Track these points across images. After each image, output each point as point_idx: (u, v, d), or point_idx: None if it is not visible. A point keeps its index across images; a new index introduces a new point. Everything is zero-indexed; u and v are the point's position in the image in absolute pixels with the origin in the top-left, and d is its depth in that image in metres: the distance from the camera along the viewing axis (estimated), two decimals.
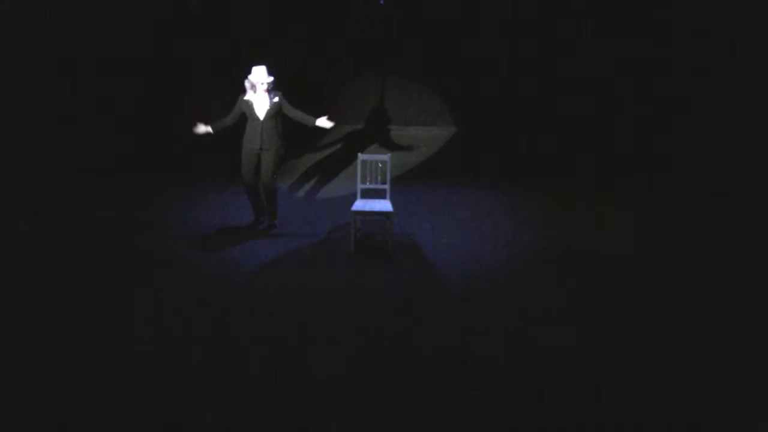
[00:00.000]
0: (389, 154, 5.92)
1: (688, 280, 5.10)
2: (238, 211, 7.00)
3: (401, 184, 7.49)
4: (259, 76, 5.94)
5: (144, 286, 4.81)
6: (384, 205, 5.77)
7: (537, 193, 8.10)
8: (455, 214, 7.02)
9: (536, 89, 8.58)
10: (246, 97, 6.03)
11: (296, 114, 6.12)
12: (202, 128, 6.10)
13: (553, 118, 8.58)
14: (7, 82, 7.66)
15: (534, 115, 8.71)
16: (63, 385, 3.48)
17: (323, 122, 6.09)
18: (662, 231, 6.37)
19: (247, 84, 6.01)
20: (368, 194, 5.99)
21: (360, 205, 5.75)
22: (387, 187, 5.85)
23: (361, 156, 5.86)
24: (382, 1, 8.62)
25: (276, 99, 6.04)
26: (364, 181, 5.89)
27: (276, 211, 6.34)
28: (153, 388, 3.45)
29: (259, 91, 5.98)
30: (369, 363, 3.74)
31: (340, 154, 8.59)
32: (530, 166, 8.76)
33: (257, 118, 6.01)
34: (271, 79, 6.00)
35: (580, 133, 8.45)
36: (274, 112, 6.03)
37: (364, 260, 5.50)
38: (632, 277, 5.14)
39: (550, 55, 8.42)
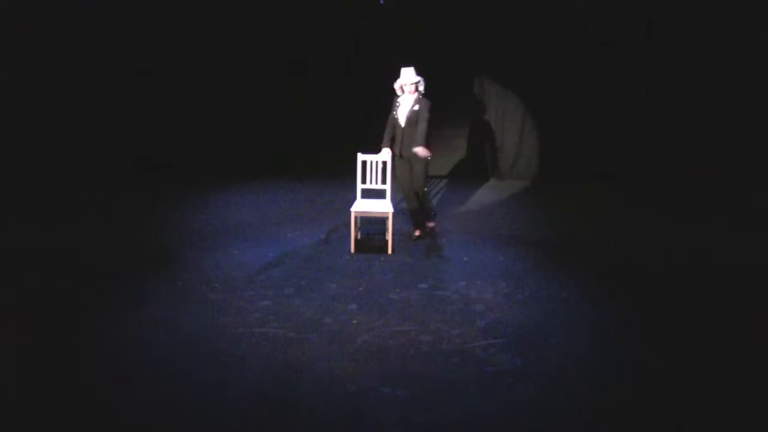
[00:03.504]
0: (388, 152, 5.89)
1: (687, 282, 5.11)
2: (238, 210, 7.01)
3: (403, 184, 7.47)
4: (406, 77, 5.77)
5: (143, 286, 4.81)
6: (384, 205, 5.76)
7: (539, 192, 8.11)
8: (456, 214, 7.03)
9: (538, 89, 8.55)
10: (398, 100, 5.89)
11: (419, 128, 5.77)
12: (386, 153, 5.81)
13: (554, 116, 8.56)
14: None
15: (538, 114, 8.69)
16: (59, 383, 3.48)
17: (420, 150, 5.73)
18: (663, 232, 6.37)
19: (396, 86, 5.87)
20: (368, 194, 5.99)
21: (360, 205, 5.75)
22: (387, 187, 5.84)
23: (361, 156, 5.85)
24: (382, 1, 8.61)
25: (416, 107, 5.79)
26: (364, 181, 5.89)
27: (421, 222, 6.07)
28: (153, 388, 3.45)
29: (406, 93, 5.81)
30: (370, 363, 3.73)
31: (341, 154, 8.56)
32: (531, 166, 8.76)
33: (399, 124, 5.85)
34: (418, 79, 5.79)
35: (581, 131, 8.43)
36: (415, 118, 5.77)
37: (364, 260, 5.50)
38: (633, 275, 5.15)
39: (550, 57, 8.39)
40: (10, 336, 4.00)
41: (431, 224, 6.21)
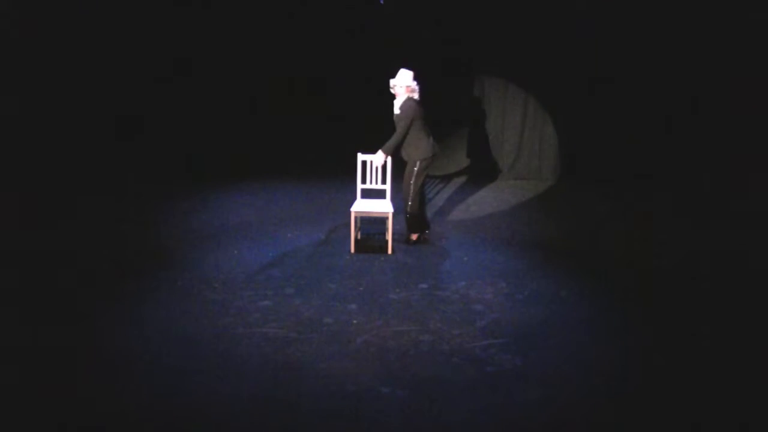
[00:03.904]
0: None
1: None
2: (238, 210, 7.01)
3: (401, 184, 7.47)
4: (393, 80, 5.72)
5: (143, 286, 4.81)
6: (384, 205, 5.76)
7: (539, 192, 8.10)
8: (456, 213, 7.03)
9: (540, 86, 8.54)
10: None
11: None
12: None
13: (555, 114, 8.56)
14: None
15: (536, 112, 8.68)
16: (59, 383, 3.48)
17: (375, 156, 5.72)
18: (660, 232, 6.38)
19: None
20: (368, 194, 5.99)
21: (360, 205, 5.75)
22: (387, 187, 5.84)
23: (361, 156, 5.86)
24: (382, 1, 8.61)
25: (399, 111, 5.71)
26: (364, 181, 5.89)
27: (410, 225, 5.88)
28: (153, 388, 3.45)
29: (397, 95, 5.75)
30: (370, 363, 3.73)
31: (341, 154, 8.57)
32: (531, 166, 8.76)
33: None
34: (404, 84, 5.65)
35: (581, 132, 8.43)
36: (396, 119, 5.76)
37: (364, 260, 5.50)
38: (633, 275, 5.15)
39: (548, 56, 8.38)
40: (10, 336, 4.00)
41: (414, 236, 5.94)
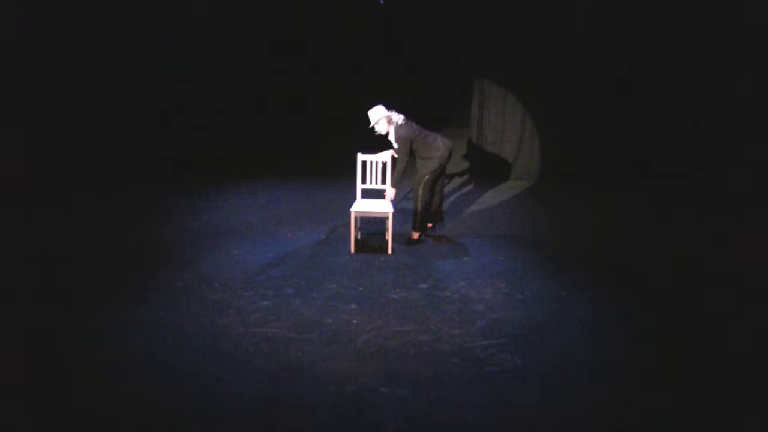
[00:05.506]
0: (390, 153, 5.90)
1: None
2: (238, 210, 7.01)
3: (401, 184, 7.49)
4: (371, 122, 5.72)
5: (143, 286, 4.81)
6: (384, 205, 5.77)
7: (539, 192, 8.11)
8: (456, 214, 7.03)
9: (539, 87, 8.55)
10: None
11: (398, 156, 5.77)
12: (387, 153, 5.86)
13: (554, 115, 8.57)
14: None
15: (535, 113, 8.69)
16: (59, 383, 3.48)
17: (387, 192, 5.81)
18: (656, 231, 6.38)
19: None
20: (368, 194, 5.99)
21: (360, 205, 5.75)
22: (387, 187, 5.84)
23: (361, 156, 5.86)
24: (382, 1, 8.62)
25: (396, 145, 5.77)
26: (364, 181, 5.89)
27: (415, 223, 5.91)
28: (154, 388, 3.45)
29: (384, 132, 5.78)
30: (370, 363, 3.73)
31: (340, 154, 8.58)
32: (531, 166, 8.77)
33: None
34: (380, 118, 5.67)
35: (581, 132, 8.43)
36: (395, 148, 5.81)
37: (364, 260, 5.50)
38: (633, 275, 5.15)
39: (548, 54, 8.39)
40: (10, 336, 4.00)
41: (415, 235, 5.95)
